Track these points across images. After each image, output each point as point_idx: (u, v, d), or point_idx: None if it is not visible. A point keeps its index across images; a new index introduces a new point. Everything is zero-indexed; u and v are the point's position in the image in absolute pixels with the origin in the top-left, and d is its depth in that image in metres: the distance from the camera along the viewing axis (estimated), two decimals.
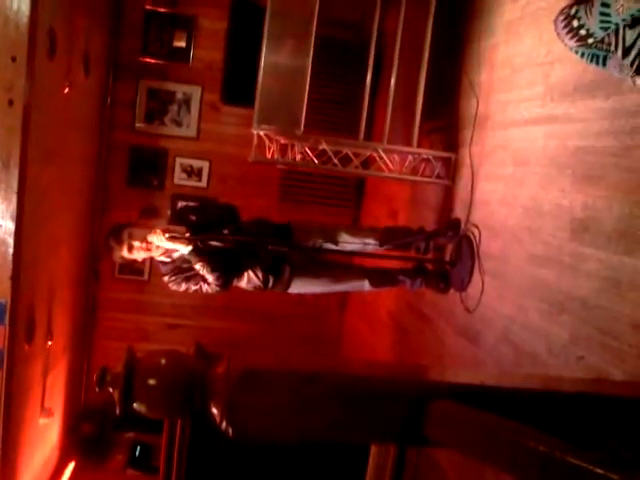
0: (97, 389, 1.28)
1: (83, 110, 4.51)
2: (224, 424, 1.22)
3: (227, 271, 3.04)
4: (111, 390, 1.24)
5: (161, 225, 2.99)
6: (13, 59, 3.00)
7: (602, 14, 1.82)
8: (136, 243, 2.91)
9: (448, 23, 3.41)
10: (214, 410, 1.22)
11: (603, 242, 2.13)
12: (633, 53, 1.83)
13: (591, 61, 1.99)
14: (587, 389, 1.67)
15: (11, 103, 3.03)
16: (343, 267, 3.48)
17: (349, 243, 3.27)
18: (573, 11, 1.90)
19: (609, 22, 1.82)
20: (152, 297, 5.25)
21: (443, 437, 1.22)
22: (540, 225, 2.48)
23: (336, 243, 3.26)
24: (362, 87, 3.48)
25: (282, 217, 3.56)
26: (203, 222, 3.07)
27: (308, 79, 3.27)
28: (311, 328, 5.41)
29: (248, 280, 3.13)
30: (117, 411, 1.25)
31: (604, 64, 1.97)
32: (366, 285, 3.31)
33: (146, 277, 5.19)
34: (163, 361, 1.26)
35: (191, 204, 3.47)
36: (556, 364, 2.25)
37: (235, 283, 3.12)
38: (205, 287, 3.06)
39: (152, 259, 3.15)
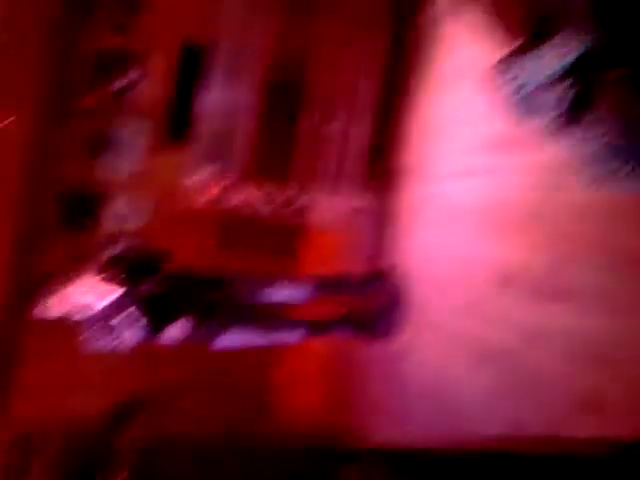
0: None
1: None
2: None
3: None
4: None
5: None
6: None
7: (534, 67, 1.89)
8: None
9: (386, 74, 3.49)
10: None
11: (528, 293, 2.18)
12: (561, 106, 1.90)
13: (521, 113, 2.06)
14: (505, 445, 1.69)
15: None
16: (274, 320, 3.43)
17: (283, 295, 3.27)
18: (507, 63, 1.98)
19: (541, 75, 1.89)
20: None
21: None
22: (466, 276, 2.53)
23: (269, 295, 3.24)
24: (300, 131, 3.52)
25: (217, 263, 3.52)
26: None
27: (250, 122, 3.30)
28: (236, 380, 5.22)
29: (175, 331, 3.06)
30: None
31: (533, 116, 2.03)
32: (297, 335, 3.29)
33: None
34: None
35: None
36: (481, 416, 2.27)
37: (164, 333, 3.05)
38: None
39: None
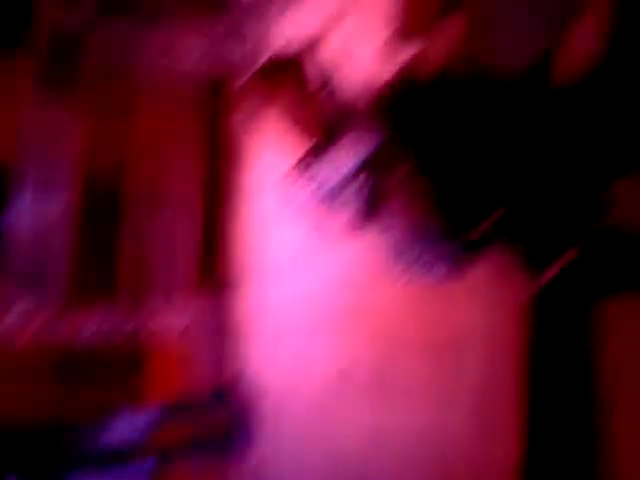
0: None
1: None
2: None
3: None
4: None
5: None
6: None
7: (329, 167, 1.95)
8: None
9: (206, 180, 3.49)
10: None
11: (365, 390, 2.13)
12: (358, 201, 1.96)
13: (326, 211, 2.10)
14: None
15: None
16: (121, 456, 3.13)
17: (125, 427, 3.01)
18: (304, 165, 2.03)
19: (336, 174, 1.95)
20: None
21: None
22: (310, 377, 2.46)
23: (112, 430, 2.96)
24: (117, 247, 3.36)
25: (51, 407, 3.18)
26: None
27: (65, 240, 3.10)
28: None
29: None
30: None
31: (337, 213, 2.08)
32: (148, 471, 2.99)
33: None
34: None
35: None
36: None
37: None
38: None
39: None
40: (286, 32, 2.46)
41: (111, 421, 3.04)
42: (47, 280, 3.12)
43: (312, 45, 2.34)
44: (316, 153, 1.89)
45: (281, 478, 2.64)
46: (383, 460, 1.96)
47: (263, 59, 2.49)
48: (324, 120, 1.92)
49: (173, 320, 3.32)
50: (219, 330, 3.26)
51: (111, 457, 3.06)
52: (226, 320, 3.23)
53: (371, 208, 1.78)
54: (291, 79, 2.08)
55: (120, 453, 3.22)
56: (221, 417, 3.14)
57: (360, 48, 2.03)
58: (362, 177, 1.81)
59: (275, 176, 2.61)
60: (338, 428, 2.22)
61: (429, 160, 1.74)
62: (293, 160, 2.04)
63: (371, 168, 1.78)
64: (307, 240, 2.48)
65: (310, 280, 2.51)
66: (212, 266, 3.42)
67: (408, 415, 1.88)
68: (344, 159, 1.84)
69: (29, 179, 3.19)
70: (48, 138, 3.30)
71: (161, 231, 3.35)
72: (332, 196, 1.92)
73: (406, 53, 1.98)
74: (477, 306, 1.96)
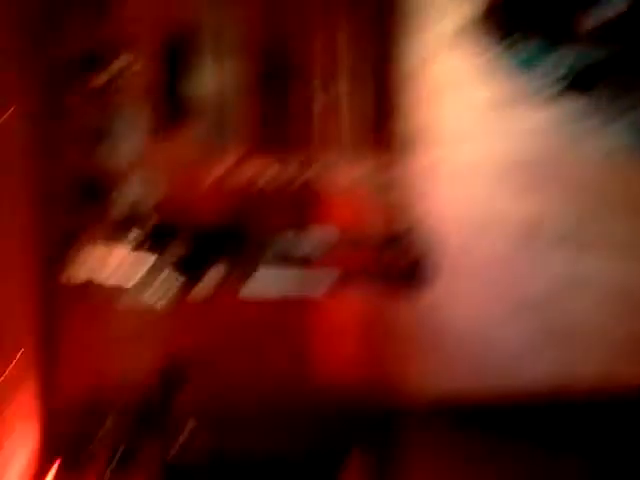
0: None
1: None
2: None
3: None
4: None
5: None
6: None
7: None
8: None
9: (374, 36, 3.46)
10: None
11: (557, 244, 2.24)
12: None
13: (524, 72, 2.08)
14: (551, 395, 1.77)
15: None
16: (300, 269, 3.50)
17: (306, 246, 3.34)
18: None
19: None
20: None
21: (415, 460, 1.28)
22: (491, 231, 2.58)
23: (293, 248, 3.30)
24: (294, 102, 3.51)
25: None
26: None
27: (250, 94, 3.29)
28: (273, 337, 5.35)
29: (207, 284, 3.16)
30: None
31: (537, 76, 2.06)
32: (322, 287, 3.35)
33: None
34: None
35: None
36: (517, 366, 2.36)
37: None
38: None
39: None
40: None
41: (294, 236, 3.36)
42: (231, 130, 3.37)
43: None
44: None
45: (456, 319, 2.88)
46: (576, 307, 2.12)
47: None
48: None
49: (347, 173, 3.51)
50: (395, 183, 3.42)
51: (294, 265, 3.45)
52: (401, 175, 3.37)
53: (581, 76, 1.76)
54: None
55: (302, 265, 3.60)
56: (400, 255, 3.39)
57: None
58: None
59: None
60: (523, 279, 2.38)
61: None
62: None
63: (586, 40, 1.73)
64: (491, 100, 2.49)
65: (499, 138, 2.55)
66: (387, 125, 3.51)
67: (610, 265, 1.99)
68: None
69: (209, 40, 3.33)
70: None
71: (333, 94, 3.44)
72: (536, 58, 1.89)
73: None
74: None
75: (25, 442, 4.30)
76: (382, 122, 3.54)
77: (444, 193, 3.02)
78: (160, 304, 3.14)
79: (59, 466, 4.73)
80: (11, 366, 3.82)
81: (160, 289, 3.10)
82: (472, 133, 2.76)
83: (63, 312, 5.07)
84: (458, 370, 2.83)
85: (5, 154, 4.06)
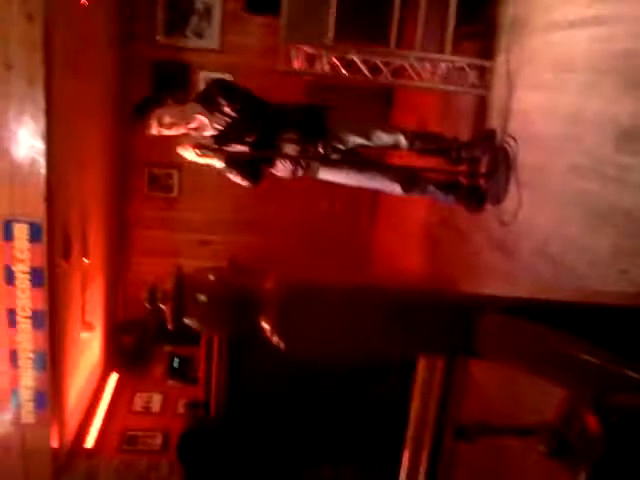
0: (147, 305, 1.30)
1: (102, 23, 4.38)
2: (275, 338, 1.24)
3: (256, 176, 3.14)
4: (162, 306, 1.26)
5: (189, 117, 3.01)
6: None
7: None
8: (165, 130, 2.99)
9: None
10: (265, 325, 1.24)
11: None
12: None
13: None
14: (631, 302, 1.65)
15: (30, 18, 2.94)
16: (375, 164, 3.43)
17: (381, 140, 3.23)
18: None
19: None
20: (182, 214, 5.29)
21: (495, 350, 1.23)
22: (582, 135, 2.39)
23: (369, 138, 3.20)
24: None
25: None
26: (232, 119, 3.04)
27: None
28: (341, 239, 5.45)
29: (277, 169, 3.15)
30: (169, 326, 1.27)
31: None
32: (397, 188, 3.26)
33: (176, 194, 5.21)
34: (211, 277, 1.28)
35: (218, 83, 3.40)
36: (597, 277, 2.23)
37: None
38: (238, 179, 3.13)
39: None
40: None
41: (369, 128, 3.25)
42: (317, 22, 3.21)
43: None
44: None
45: (533, 229, 2.74)
46: None
47: None
48: None
49: (435, 66, 3.32)
50: (481, 78, 3.21)
51: (367, 159, 3.38)
52: (490, 69, 3.16)
53: None
54: None
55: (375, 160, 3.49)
56: (478, 161, 3.23)
57: None
58: None
59: None
60: (610, 188, 2.20)
61: None
62: None
63: None
64: None
65: (601, 30, 2.30)
66: (477, 15, 3.28)
67: None
68: None
69: None
70: None
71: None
72: None
73: None
74: None
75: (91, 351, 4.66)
76: (473, 12, 3.30)
77: (532, 92, 2.80)
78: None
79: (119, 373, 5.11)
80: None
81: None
82: (581, 20, 2.49)
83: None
84: (528, 280, 2.72)
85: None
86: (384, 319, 1.29)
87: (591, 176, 2.33)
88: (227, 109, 3.02)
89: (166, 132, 3.00)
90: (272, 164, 3.08)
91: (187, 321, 1.26)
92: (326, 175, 3.16)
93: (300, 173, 3.12)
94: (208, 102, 3.05)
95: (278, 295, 1.23)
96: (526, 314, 1.32)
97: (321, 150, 3.05)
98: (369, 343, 1.36)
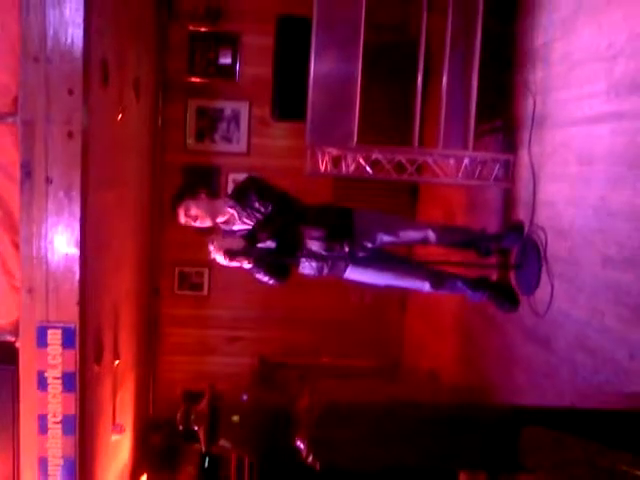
0: (180, 427, 1.28)
1: (136, 133, 4.60)
2: (310, 458, 1.21)
3: (283, 274, 3.16)
4: (196, 428, 1.24)
5: (221, 208, 3.10)
6: (70, 92, 3.08)
7: None
8: (195, 223, 3.07)
9: (499, 20, 3.33)
10: (300, 445, 1.21)
11: None
12: None
13: None
14: None
15: (70, 135, 3.11)
16: (403, 262, 3.42)
17: (409, 236, 3.25)
18: None
19: None
20: (212, 311, 5.32)
21: (538, 465, 1.18)
22: (613, 226, 2.38)
23: (396, 235, 3.21)
24: (413, 91, 3.42)
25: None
26: (264, 215, 3.09)
27: (359, 87, 3.24)
28: (372, 332, 5.38)
29: (303, 267, 3.15)
30: (202, 448, 1.25)
31: None
32: (426, 286, 3.23)
33: (205, 292, 5.26)
34: (245, 397, 1.26)
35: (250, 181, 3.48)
36: (639, 371, 2.15)
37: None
38: (265, 278, 3.13)
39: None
40: None
41: (396, 226, 3.29)
42: (342, 125, 3.33)
43: None
44: None
45: (566, 323, 2.68)
46: None
47: None
48: None
49: (458, 162, 3.38)
50: (506, 174, 3.26)
51: (394, 258, 3.36)
52: (515, 164, 3.21)
53: None
54: None
55: (404, 259, 3.49)
56: (506, 254, 3.22)
57: None
58: None
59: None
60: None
61: None
62: None
63: None
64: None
65: (623, 124, 2.34)
66: (496, 112, 3.37)
67: None
68: None
69: (322, 34, 3.31)
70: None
71: (446, 82, 3.32)
72: None
73: None
74: None
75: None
76: (500, 106, 3.39)
77: (558, 186, 2.83)
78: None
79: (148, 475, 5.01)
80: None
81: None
82: (601, 115, 2.53)
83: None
84: (563, 376, 2.63)
85: None
86: (420, 434, 1.25)
87: (625, 267, 2.30)
88: (257, 205, 3.09)
89: (192, 223, 3.08)
90: (298, 263, 3.11)
91: (222, 443, 1.24)
92: (353, 275, 3.16)
93: (326, 272, 3.12)
94: (241, 197, 3.13)
95: (312, 416, 1.21)
96: (570, 424, 1.27)
97: (347, 249, 3.07)
98: (406, 458, 1.31)
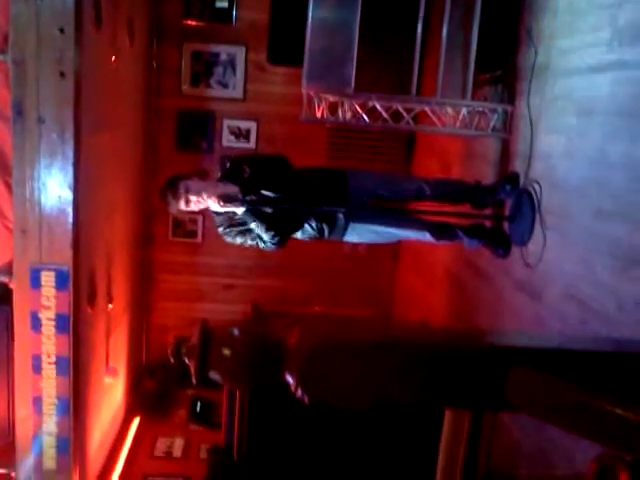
0: (171, 360, 1.30)
1: (130, 77, 4.52)
2: (299, 392, 1.23)
3: (282, 229, 3.04)
4: (187, 361, 1.26)
5: (214, 187, 2.99)
6: (61, 31, 3.00)
7: None
8: (192, 197, 2.92)
9: None
10: (289, 379, 1.23)
11: None
12: None
13: None
14: None
15: (62, 75, 3.05)
16: (401, 216, 3.42)
17: (404, 191, 3.24)
18: None
19: None
20: (206, 258, 5.33)
21: (524, 404, 1.20)
22: (608, 178, 2.38)
23: (391, 191, 3.21)
24: (412, 38, 3.36)
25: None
26: (256, 176, 3.04)
27: (357, 34, 3.17)
28: (365, 283, 5.43)
29: (303, 231, 3.12)
30: (194, 381, 1.27)
31: None
32: (427, 236, 3.24)
33: (199, 239, 5.26)
34: (236, 332, 1.27)
35: (241, 156, 3.41)
36: (628, 321, 2.18)
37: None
38: (261, 244, 3.07)
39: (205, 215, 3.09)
40: None
41: (390, 180, 3.32)
42: (339, 71, 3.27)
43: None
44: None
45: (559, 274, 2.70)
46: None
47: None
48: None
49: (459, 110, 3.34)
50: (503, 124, 3.23)
51: (391, 211, 3.36)
52: (512, 115, 3.18)
53: None
54: None
55: (400, 212, 3.51)
56: (501, 205, 3.22)
57: None
58: None
59: None
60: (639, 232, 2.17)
61: None
62: None
63: None
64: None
65: (626, 74, 2.31)
66: (497, 60, 3.31)
67: None
68: None
69: None
70: None
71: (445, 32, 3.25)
72: None
73: None
74: None
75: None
76: (501, 55, 3.33)
77: (555, 136, 2.80)
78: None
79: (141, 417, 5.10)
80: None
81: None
82: (603, 65, 2.49)
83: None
84: (553, 327, 2.67)
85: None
86: (409, 371, 1.27)
87: (618, 219, 2.30)
88: (249, 171, 3.04)
89: (186, 208, 2.96)
90: (298, 230, 3.08)
91: (212, 375, 1.25)
92: (352, 237, 3.16)
93: (327, 235, 3.12)
94: (234, 173, 3.07)
95: (302, 350, 1.22)
96: (557, 365, 1.29)
97: (342, 217, 3.05)
98: (395, 395, 1.34)
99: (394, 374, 1.23)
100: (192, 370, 1.24)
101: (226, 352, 1.23)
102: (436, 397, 1.29)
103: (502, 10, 3.28)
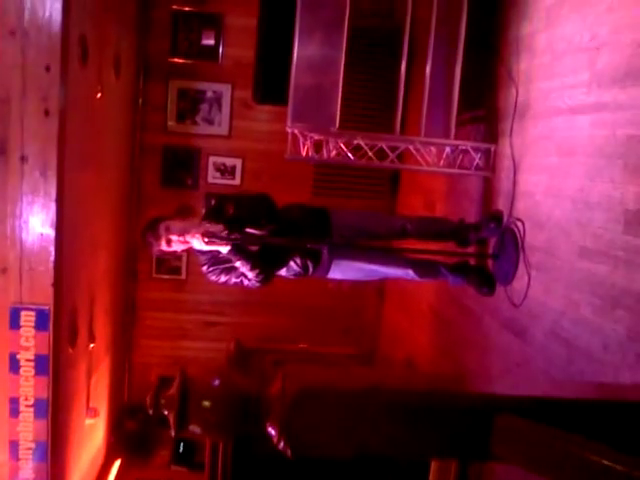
0: (150, 412, 1.26)
1: (115, 113, 4.52)
2: (282, 444, 1.19)
3: (267, 266, 3.01)
4: (165, 412, 1.22)
5: (197, 226, 2.96)
6: (47, 68, 3.01)
7: None
8: (174, 237, 2.88)
9: (483, 10, 3.31)
10: (271, 431, 1.19)
11: None
12: None
13: None
14: None
15: (47, 113, 3.04)
16: (385, 253, 3.41)
17: (386, 229, 3.25)
18: None
19: None
20: (190, 295, 5.28)
21: (509, 453, 1.18)
22: (589, 217, 2.39)
23: (374, 229, 3.21)
24: (396, 79, 3.40)
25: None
26: (239, 215, 3.03)
27: (342, 73, 3.20)
28: (349, 320, 5.40)
29: (288, 269, 3.10)
30: (172, 433, 1.23)
31: None
32: (410, 273, 3.22)
33: (183, 276, 5.21)
34: (216, 382, 1.24)
35: (225, 195, 3.40)
36: (613, 361, 2.17)
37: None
38: (246, 282, 3.04)
39: (189, 254, 3.07)
40: None
41: (374, 220, 3.33)
42: (324, 110, 3.29)
43: None
44: None
45: (542, 313, 2.69)
46: None
47: None
48: None
49: (439, 151, 3.37)
50: (486, 163, 3.26)
51: (375, 251, 3.35)
52: (495, 154, 3.21)
53: None
54: None
55: (383, 251, 3.50)
56: (484, 245, 3.23)
57: None
58: None
59: None
60: (621, 270, 2.18)
61: None
62: None
63: None
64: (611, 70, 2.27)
65: (603, 116, 2.34)
66: (479, 101, 3.36)
67: None
68: None
69: (307, 17, 3.25)
70: None
71: (430, 70, 3.30)
72: None
73: None
74: None
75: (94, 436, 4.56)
76: (483, 95, 3.38)
77: (536, 176, 2.83)
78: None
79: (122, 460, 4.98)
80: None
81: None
82: (582, 106, 2.53)
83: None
84: (537, 366, 2.65)
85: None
86: (394, 422, 1.25)
87: (600, 258, 2.31)
88: (233, 210, 3.03)
89: (167, 248, 2.90)
90: (281, 266, 3.07)
91: (192, 428, 1.22)
92: (336, 273, 3.15)
93: (311, 271, 3.10)
94: (218, 212, 3.06)
95: (284, 401, 1.19)
96: (543, 414, 1.27)
97: (326, 254, 3.04)
98: (380, 447, 1.31)
99: (377, 424, 1.20)
100: (171, 422, 1.20)
101: (206, 404, 1.20)
102: (421, 448, 1.26)
103: (484, 50, 3.34)
